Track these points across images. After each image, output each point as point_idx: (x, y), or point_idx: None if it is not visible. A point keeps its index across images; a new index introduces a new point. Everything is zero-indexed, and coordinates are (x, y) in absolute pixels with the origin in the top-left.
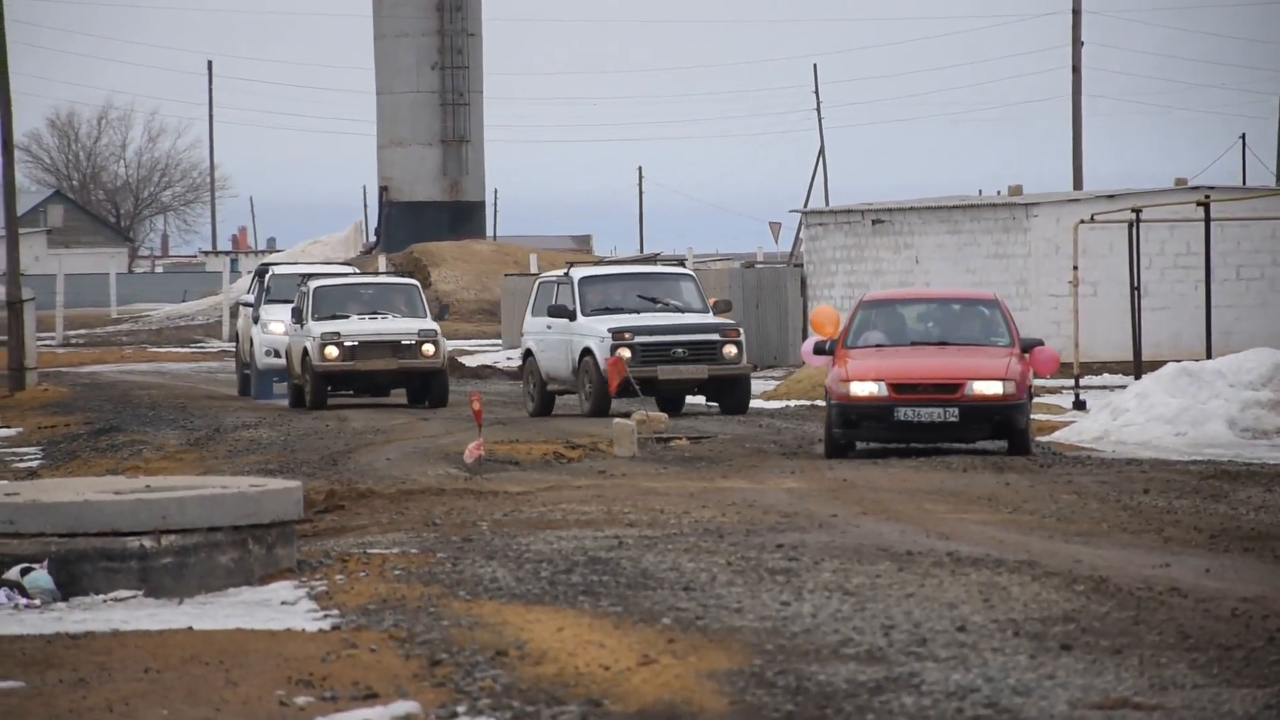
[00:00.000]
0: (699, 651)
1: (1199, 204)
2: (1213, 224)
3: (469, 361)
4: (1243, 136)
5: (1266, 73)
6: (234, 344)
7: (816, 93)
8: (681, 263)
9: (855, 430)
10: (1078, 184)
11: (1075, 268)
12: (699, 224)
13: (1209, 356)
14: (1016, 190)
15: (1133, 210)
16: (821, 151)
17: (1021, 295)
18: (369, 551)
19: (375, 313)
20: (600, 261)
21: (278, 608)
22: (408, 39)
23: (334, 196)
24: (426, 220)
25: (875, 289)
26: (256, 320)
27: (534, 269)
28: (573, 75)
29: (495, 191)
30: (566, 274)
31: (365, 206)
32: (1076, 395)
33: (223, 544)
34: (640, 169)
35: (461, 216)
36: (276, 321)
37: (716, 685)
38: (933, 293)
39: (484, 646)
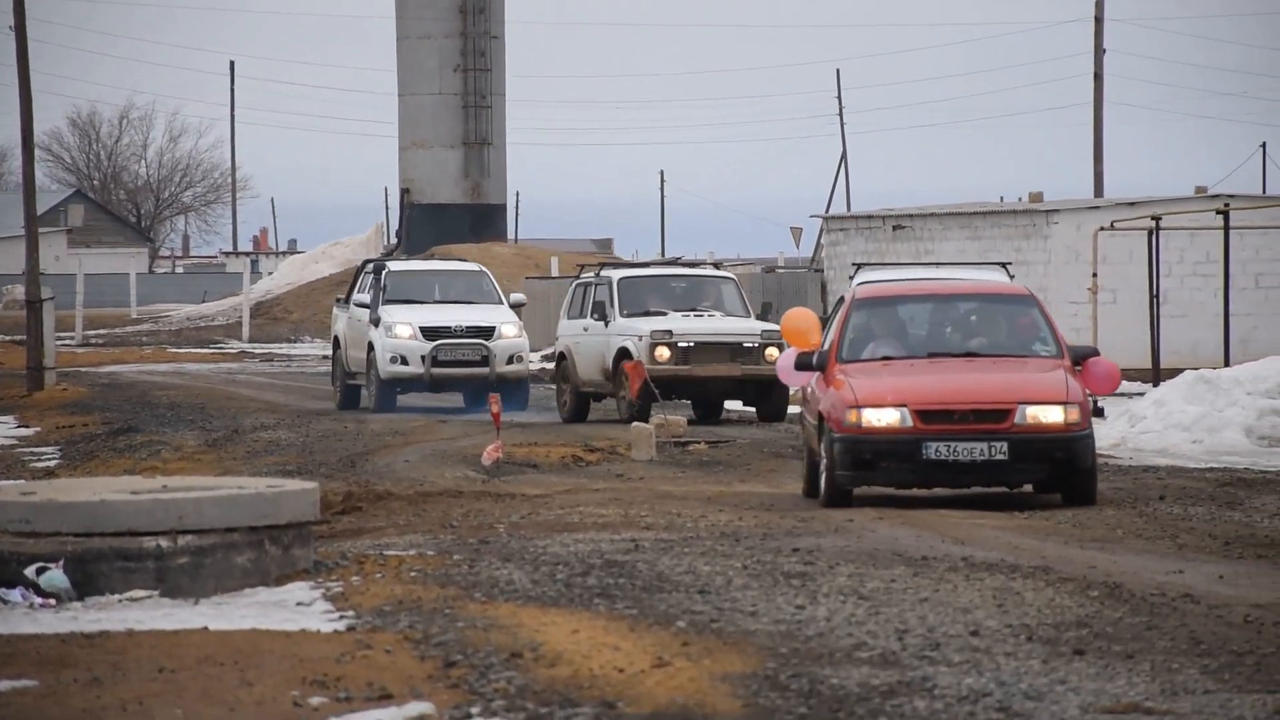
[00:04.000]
0: (713, 654)
1: (1218, 212)
2: (1232, 232)
3: None
4: (1263, 145)
5: None
6: (332, 350)
7: (839, 98)
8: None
9: (869, 472)
10: (1098, 191)
11: (1095, 275)
12: (720, 228)
13: (1227, 364)
14: (1037, 197)
15: (1152, 218)
16: (843, 156)
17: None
18: (385, 553)
19: (698, 309)
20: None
21: (293, 608)
22: (430, 41)
23: (355, 198)
24: (448, 222)
25: None
26: (376, 323)
27: (555, 272)
28: (595, 78)
29: (517, 194)
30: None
31: (386, 208)
32: (1095, 402)
33: (239, 544)
34: (662, 173)
35: (483, 219)
36: (403, 324)
37: (730, 688)
38: (949, 286)
39: (499, 648)
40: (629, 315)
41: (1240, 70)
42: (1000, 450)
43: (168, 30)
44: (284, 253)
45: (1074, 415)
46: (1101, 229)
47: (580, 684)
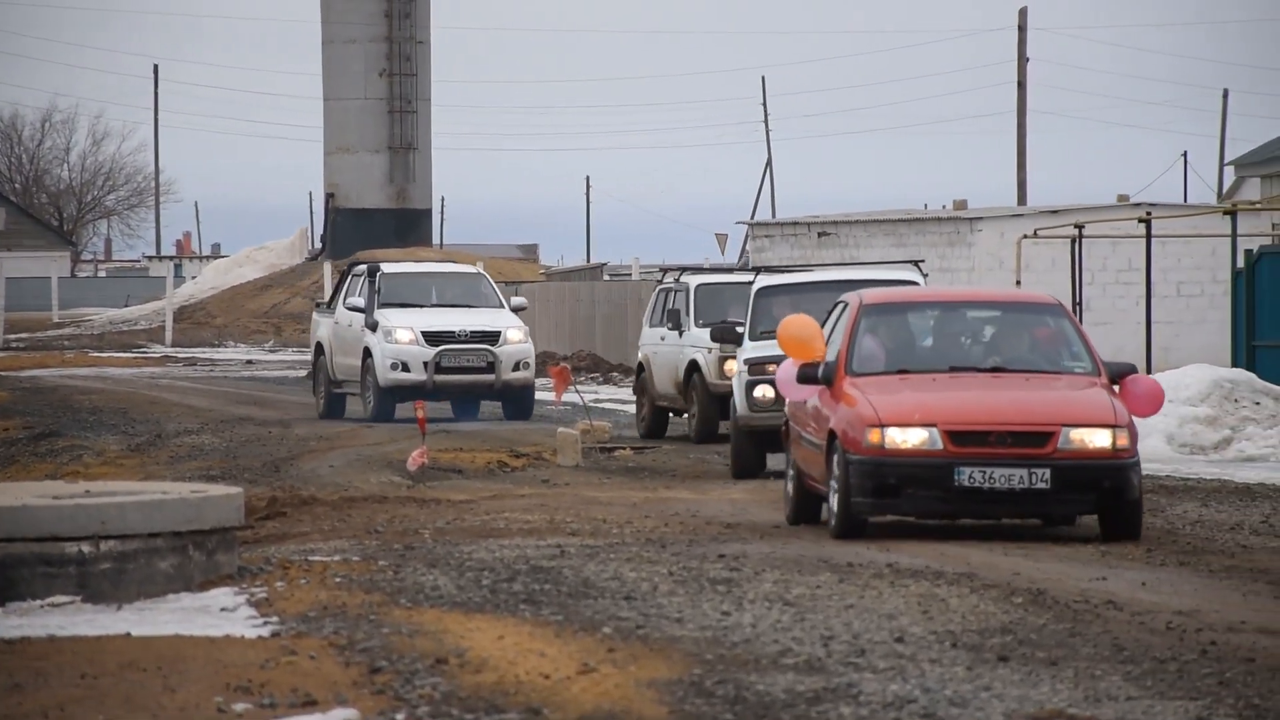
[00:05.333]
0: (639, 661)
1: (1140, 220)
2: (1154, 240)
3: None
4: (1185, 154)
5: (1208, 91)
6: (313, 357)
7: (765, 104)
8: (918, 265)
9: (892, 500)
10: (1022, 199)
11: (1018, 282)
12: (646, 234)
13: (1149, 372)
14: (961, 204)
15: (1075, 226)
16: (769, 163)
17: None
18: (310, 559)
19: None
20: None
21: (217, 614)
22: (356, 45)
23: (280, 202)
24: (373, 227)
25: None
26: (374, 327)
27: None
28: (522, 84)
29: (442, 199)
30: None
31: (311, 213)
32: None
33: (163, 550)
34: (588, 178)
35: (408, 224)
36: (404, 329)
37: (656, 694)
38: (971, 293)
39: (424, 654)
40: (705, 325)
41: (1162, 80)
42: (1042, 478)
43: (91, 33)
44: (207, 257)
45: (1123, 440)
46: (1025, 236)
47: (506, 690)
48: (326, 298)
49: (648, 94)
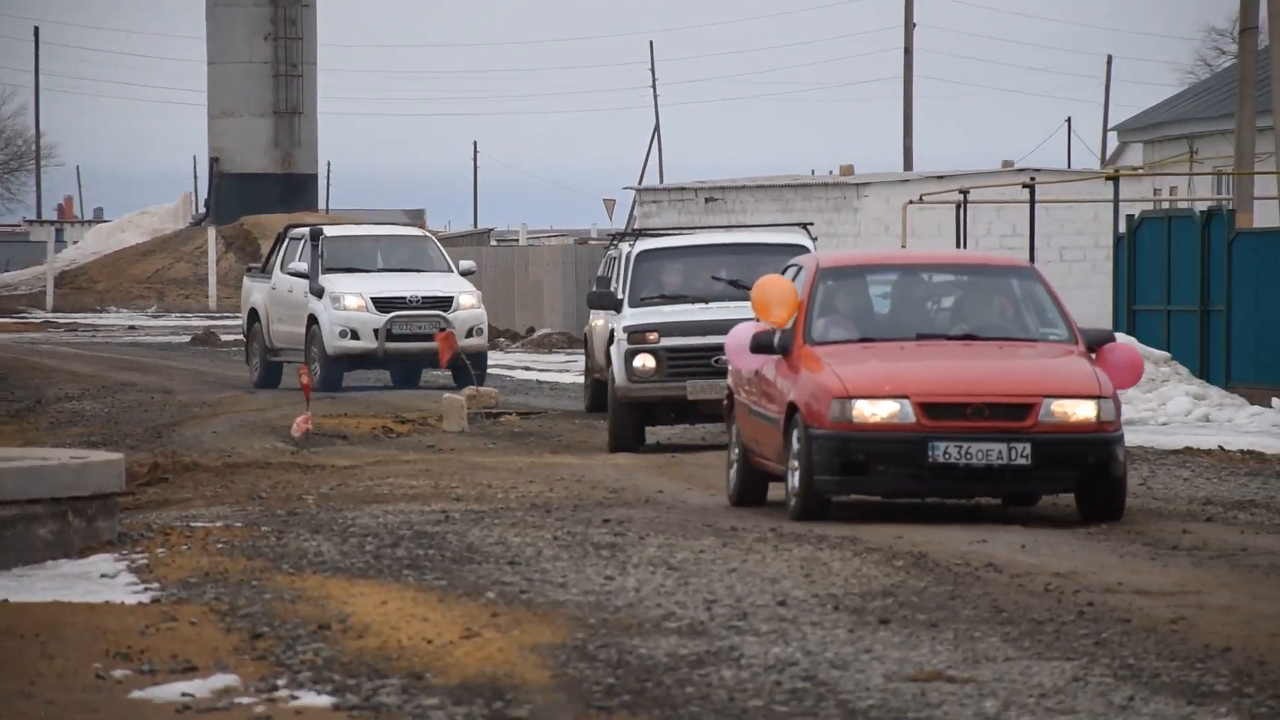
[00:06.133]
0: (522, 625)
1: (1024, 186)
2: (1038, 206)
3: None
4: (1068, 120)
5: (1093, 57)
6: (246, 325)
7: (652, 70)
8: (806, 228)
9: (860, 478)
10: (908, 165)
11: (904, 247)
12: (534, 200)
13: None
14: (848, 170)
15: (960, 191)
16: (656, 129)
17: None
18: (192, 525)
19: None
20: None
21: (97, 580)
22: (240, 9)
23: (163, 167)
24: (258, 192)
25: None
26: (319, 293)
27: None
28: (409, 48)
29: (328, 164)
30: (616, 244)
31: (195, 178)
32: None
33: (41, 516)
34: (475, 144)
35: (294, 189)
36: (352, 295)
37: (539, 658)
38: (937, 256)
39: (306, 620)
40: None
41: (1047, 46)
42: (1022, 453)
43: None
44: (90, 222)
45: (1108, 412)
46: (910, 202)
47: (388, 655)
48: (213, 263)
49: (535, 59)
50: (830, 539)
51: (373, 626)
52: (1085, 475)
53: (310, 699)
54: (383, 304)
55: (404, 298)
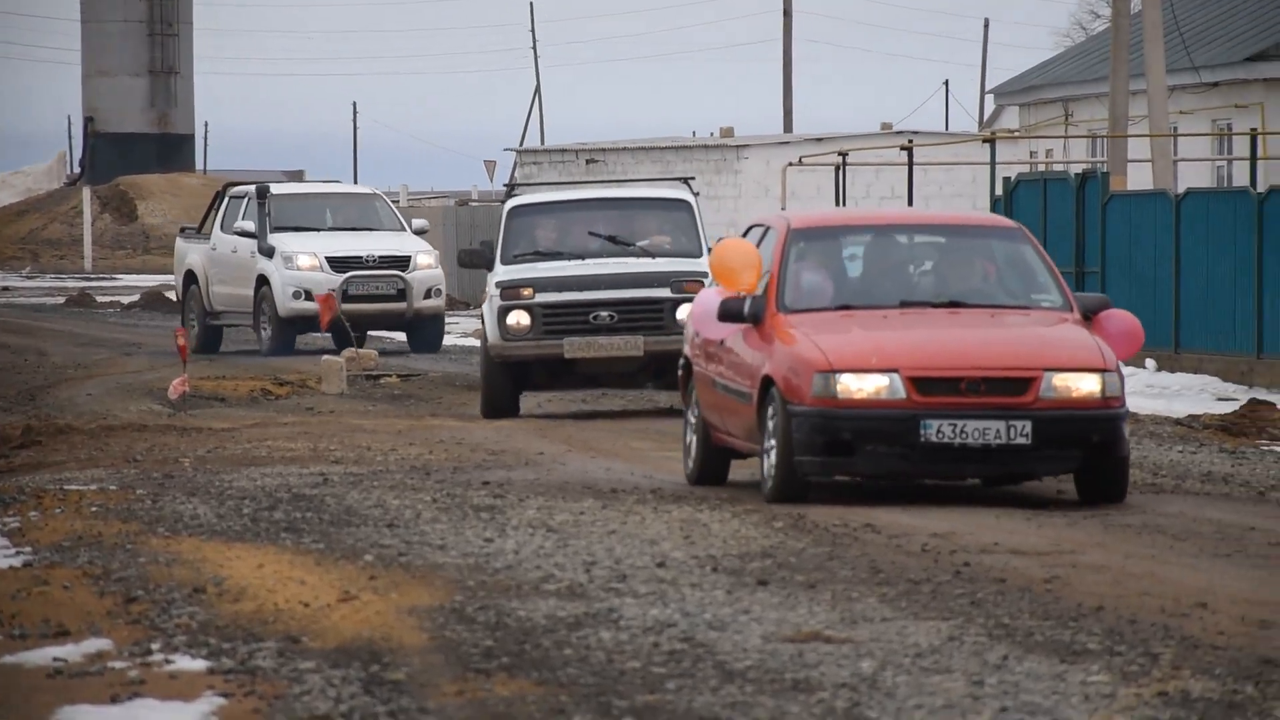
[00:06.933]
0: (400, 588)
1: (903, 148)
2: (916, 168)
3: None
4: (946, 83)
5: (970, 20)
6: (182, 287)
7: (533, 31)
8: (687, 182)
9: (846, 458)
10: (788, 127)
11: (783, 209)
12: (414, 160)
13: None
14: (728, 132)
15: (840, 154)
16: (537, 90)
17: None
18: (66, 488)
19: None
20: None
21: None
22: None
23: (37, 126)
24: (134, 152)
25: None
26: (269, 253)
27: None
28: (286, 7)
29: (206, 124)
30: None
31: (70, 137)
32: None
33: None
34: (355, 104)
35: (170, 149)
36: (306, 254)
37: (417, 621)
38: (918, 216)
39: (181, 583)
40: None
41: (925, 9)
42: (1022, 431)
43: None
44: None
45: (1113, 386)
46: (790, 164)
47: (264, 619)
48: (88, 224)
49: (415, 19)
50: (710, 500)
51: (249, 590)
52: (1089, 454)
53: (185, 663)
54: (338, 264)
55: (360, 257)
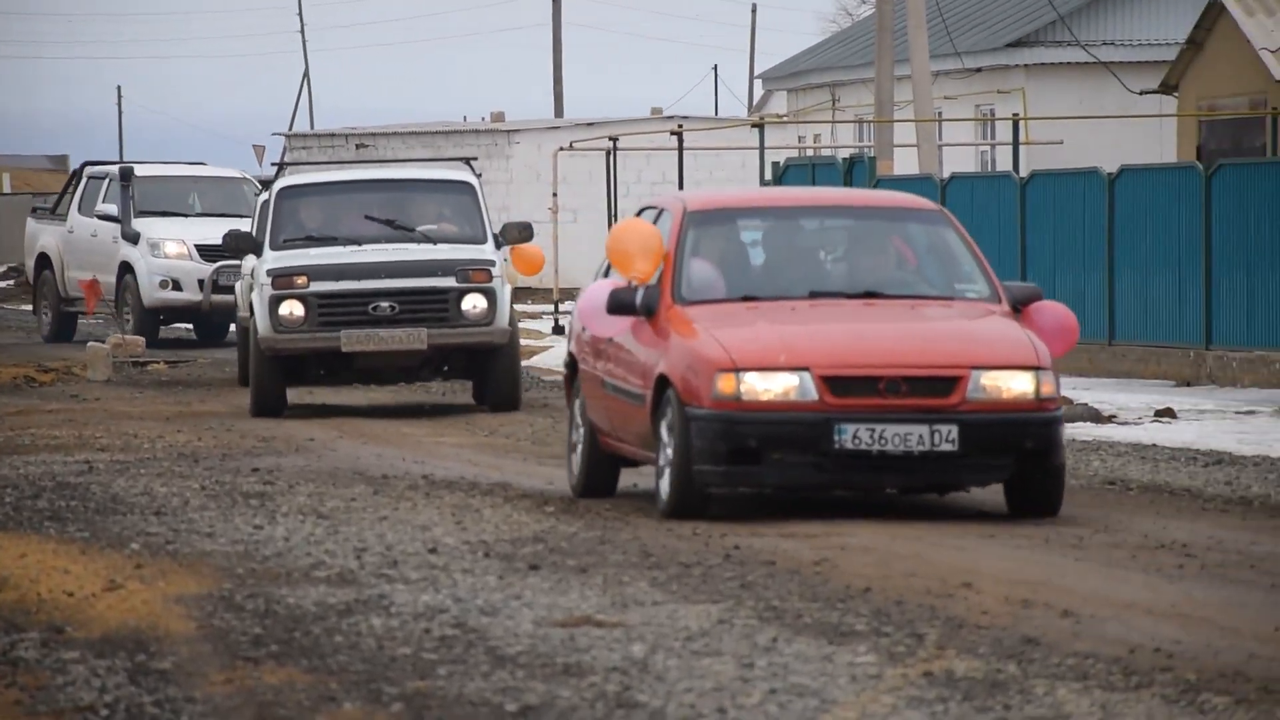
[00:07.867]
0: (168, 576)
1: (673, 133)
2: (686, 153)
3: None
4: (715, 68)
5: (738, 6)
6: (34, 272)
7: (300, 15)
8: (469, 163)
9: (751, 467)
10: (559, 112)
11: (555, 195)
12: (182, 145)
13: None
14: (499, 117)
15: (610, 139)
16: (306, 74)
17: (504, 222)
18: None
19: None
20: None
21: None
22: None
23: None
24: None
25: None
26: (134, 239)
27: (6, 189)
28: None
29: None
30: (268, 186)
31: None
32: (556, 320)
33: None
34: (119, 88)
35: None
36: (174, 241)
37: (184, 609)
38: (829, 196)
39: None
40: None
41: None
42: (948, 437)
43: None
44: None
45: (1048, 385)
46: (561, 149)
47: (27, 609)
48: None
49: (180, 2)
50: (482, 485)
51: (11, 580)
52: (1022, 462)
53: None
54: (208, 252)
55: None
